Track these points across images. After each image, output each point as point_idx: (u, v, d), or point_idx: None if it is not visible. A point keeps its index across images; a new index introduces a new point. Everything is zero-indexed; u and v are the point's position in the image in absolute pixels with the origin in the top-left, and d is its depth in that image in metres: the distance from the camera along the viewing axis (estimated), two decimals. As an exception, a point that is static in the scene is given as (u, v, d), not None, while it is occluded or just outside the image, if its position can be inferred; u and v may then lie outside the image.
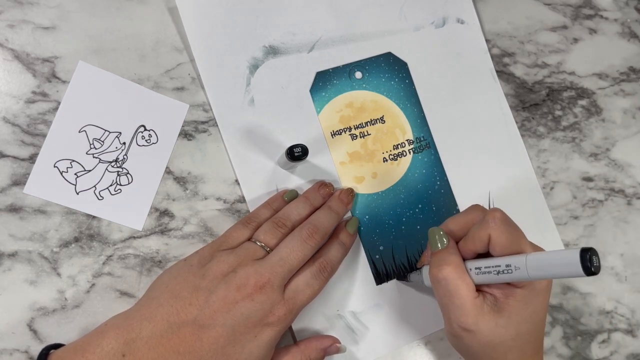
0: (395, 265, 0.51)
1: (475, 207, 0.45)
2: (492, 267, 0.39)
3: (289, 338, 0.49)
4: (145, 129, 0.48)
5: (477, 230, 0.40)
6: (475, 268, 0.40)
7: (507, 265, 0.38)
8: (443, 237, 0.43)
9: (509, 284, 0.40)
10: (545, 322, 0.42)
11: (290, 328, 0.48)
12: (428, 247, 0.46)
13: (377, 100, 0.53)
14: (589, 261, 0.32)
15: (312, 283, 0.43)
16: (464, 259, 0.42)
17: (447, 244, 0.42)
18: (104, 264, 0.46)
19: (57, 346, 0.40)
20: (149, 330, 0.38)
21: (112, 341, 0.37)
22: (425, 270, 0.46)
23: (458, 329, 0.41)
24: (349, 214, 0.51)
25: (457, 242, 0.43)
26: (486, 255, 0.41)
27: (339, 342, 0.47)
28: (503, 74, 0.58)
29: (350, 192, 0.49)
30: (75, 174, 0.46)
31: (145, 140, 0.48)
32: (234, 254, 0.42)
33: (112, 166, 0.47)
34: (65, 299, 0.45)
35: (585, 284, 0.57)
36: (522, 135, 0.57)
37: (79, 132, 0.47)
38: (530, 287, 0.40)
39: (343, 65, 0.53)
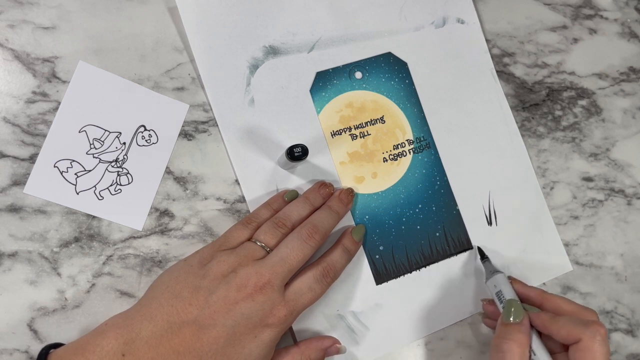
0: (395, 265, 0.51)
1: (592, 312, 0.45)
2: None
3: (289, 338, 0.49)
4: (145, 129, 0.48)
5: (569, 327, 0.41)
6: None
7: None
8: (521, 312, 0.43)
9: None
10: None
11: (291, 328, 0.48)
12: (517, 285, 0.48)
13: (377, 100, 0.53)
14: None
15: (315, 287, 0.43)
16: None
17: (521, 320, 0.43)
18: (104, 264, 0.46)
19: (57, 345, 0.40)
20: (149, 330, 0.38)
21: (112, 341, 0.37)
22: (492, 279, 0.48)
23: None
24: (349, 214, 0.51)
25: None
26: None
27: (339, 343, 0.47)
28: (503, 74, 0.58)
29: (350, 192, 0.49)
30: (76, 174, 0.46)
31: (145, 140, 0.48)
32: (234, 254, 0.42)
33: (112, 166, 0.47)
34: (66, 299, 0.45)
35: (586, 283, 0.57)
36: (522, 135, 0.57)
37: (79, 132, 0.47)
38: None
39: (343, 65, 0.53)
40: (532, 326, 0.44)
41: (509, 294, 0.46)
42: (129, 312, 0.40)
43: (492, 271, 0.49)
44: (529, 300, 0.47)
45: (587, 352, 0.40)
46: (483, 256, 0.52)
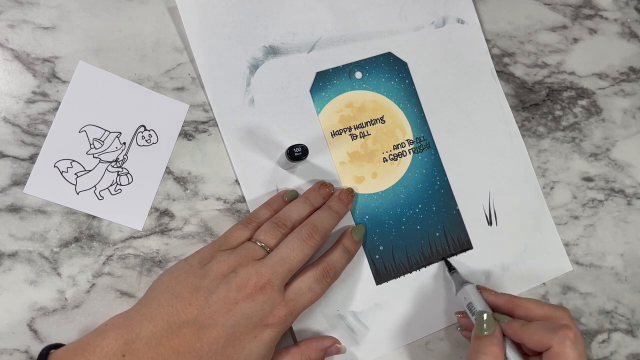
0: (395, 265, 0.51)
1: (563, 310, 0.44)
2: None
3: (288, 338, 0.49)
4: (145, 129, 0.48)
5: (540, 334, 0.41)
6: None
7: None
8: (492, 324, 0.43)
9: None
10: None
11: (290, 328, 0.48)
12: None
13: (377, 100, 0.53)
14: None
15: (315, 287, 0.43)
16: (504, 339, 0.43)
17: (492, 333, 0.43)
18: (104, 264, 0.46)
19: (57, 346, 0.40)
20: (149, 331, 0.38)
21: (112, 341, 0.37)
22: (462, 290, 0.48)
23: None
24: (349, 214, 0.51)
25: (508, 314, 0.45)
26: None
27: (340, 343, 0.47)
28: (503, 74, 0.58)
29: (350, 192, 0.49)
30: (76, 174, 0.46)
31: (145, 140, 0.48)
32: (234, 254, 0.42)
33: (112, 166, 0.47)
34: (66, 299, 0.45)
35: (586, 283, 0.57)
36: (522, 135, 0.57)
37: (79, 132, 0.47)
38: None
39: (343, 65, 0.53)
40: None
41: (479, 304, 0.46)
42: (129, 312, 0.40)
43: (461, 282, 0.49)
44: (500, 309, 0.47)
45: (558, 359, 0.40)
46: (450, 268, 0.51)
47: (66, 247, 0.46)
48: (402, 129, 0.53)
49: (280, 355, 0.44)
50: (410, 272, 0.52)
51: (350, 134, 0.52)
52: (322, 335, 0.48)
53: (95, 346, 0.37)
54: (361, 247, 0.51)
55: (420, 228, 0.52)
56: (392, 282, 0.51)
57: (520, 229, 0.55)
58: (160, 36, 0.50)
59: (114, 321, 0.39)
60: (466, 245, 0.53)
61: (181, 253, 0.48)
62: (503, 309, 0.46)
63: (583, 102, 0.59)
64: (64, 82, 0.47)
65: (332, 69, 0.52)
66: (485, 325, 0.43)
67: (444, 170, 0.54)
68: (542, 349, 0.41)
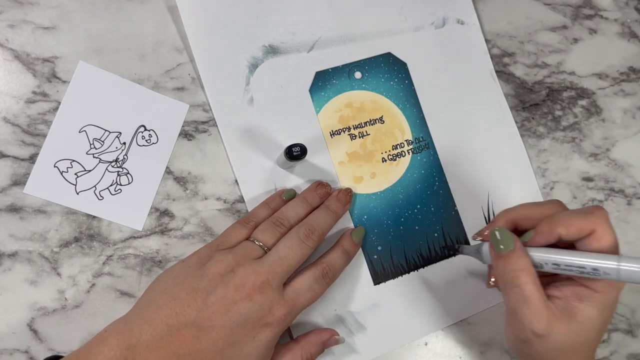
0: (393, 265, 0.51)
1: (558, 202, 0.43)
2: (576, 267, 0.37)
3: (286, 338, 0.49)
4: (146, 129, 0.48)
5: (579, 220, 0.38)
6: (553, 264, 0.39)
7: (594, 269, 0.36)
8: (510, 239, 0.40)
9: (583, 286, 0.39)
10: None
11: (289, 329, 0.48)
12: (489, 225, 0.44)
13: (377, 101, 0.53)
14: None
15: (314, 287, 0.43)
16: (539, 246, 0.40)
17: (514, 246, 0.40)
18: (104, 264, 0.46)
19: (56, 358, 0.40)
20: (149, 334, 0.38)
21: (114, 347, 0.37)
22: (486, 247, 0.44)
23: (530, 333, 0.39)
24: (347, 215, 0.51)
25: (520, 231, 0.42)
26: (556, 245, 0.40)
27: (337, 334, 0.47)
28: (503, 74, 0.58)
29: (348, 192, 0.49)
30: (76, 174, 0.46)
31: (146, 140, 0.48)
32: (232, 253, 0.42)
33: (112, 166, 0.47)
34: (66, 299, 0.45)
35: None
36: (522, 135, 0.57)
37: (79, 132, 0.47)
38: (609, 293, 0.39)
39: (342, 65, 0.53)
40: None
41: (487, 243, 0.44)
42: (127, 317, 0.40)
43: (475, 249, 0.46)
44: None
45: (602, 239, 0.37)
46: (455, 249, 0.49)
47: (66, 247, 0.46)
48: (401, 129, 0.53)
49: (281, 353, 0.44)
50: (409, 273, 0.52)
51: (349, 134, 0.52)
52: (320, 328, 0.48)
53: (97, 354, 0.37)
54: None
55: (418, 228, 0.52)
56: (390, 283, 0.51)
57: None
58: (160, 36, 0.50)
59: (113, 327, 0.39)
60: (466, 242, 0.53)
61: (181, 253, 0.48)
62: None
63: (583, 102, 0.59)
64: (64, 82, 0.47)
65: (332, 68, 0.52)
66: (504, 242, 0.40)
67: (442, 171, 0.54)
68: (582, 236, 0.38)
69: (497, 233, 0.40)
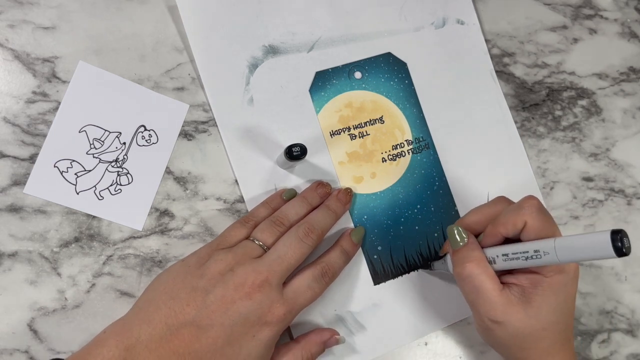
0: (393, 265, 0.51)
1: (502, 199, 0.46)
2: (520, 252, 0.40)
3: (286, 338, 0.49)
4: (146, 129, 0.48)
5: (512, 216, 0.41)
6: (502, 255, 0.41)
7: (535, 251, 0.39)
8: (462, 233, 0.44)
9: (537, 273, 0.41)
10: (574, 311, 0.43)
11: (288, 329, 0.48)
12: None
13: (377, 101, 0.53)
14: (620, 242, 0.33)
15: (314, 286, 0.43)
16: (489, 246, 0.43)
17: (467, 240, 0.43)
18: (104, 264, 0.46)
19: None
20: (148, 334, 0.38)
21: (113, 348, 0.37)
22: (449, 258, 0.47)
23: (488, 322, 0.42)
24: (347, 214, 0.51)
25: (477, 234, 0.45)
26: (509, 242, 0.42)
27: (338, 334, 0.47)
28: (503, 74, 0.58)
29: (348, 191, 0.49)
30: (76, 174, 0.46)
31: (146, 140, 0.48)
32: (232, 252, 0.42)
33: (112, 166, 0.47)
34: (66, 299, 0.45)
35: (586, 283, 0.57)
36: (522, 135, 0.57)
37: (79, 132, 0.47)
38: (558, 276, 0.41)
39: (342, 65, 0.53)
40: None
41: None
42: (126, 317, 0.40)
43: (442, 261, 0.49)
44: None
45: (534, 229, 0.40)
46: (428, 267, 0.51)
47: (66, 247, 0.46)
48: (401, 129, 0.53)
49: (281, 353, 0.44)
50: (409, 273, 0.52)
51: (349, 134, 0.52)
52: (320, 328, 0.48)
53: (96, 355, 0.37)
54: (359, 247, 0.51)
55: (418, 228, 0.52)
56: (390, 283, 0.51)
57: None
58: (160, 36, 0.50)
59: (112, 328, 0.39)
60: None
61: (181, 253, 0.48)
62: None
63: (583, 102, 0.59)
64: (64, 82, 0.47)
65: (332, 68, 0.53)
66: (457, 237, 0.44)
67: (442, 171, 0.54)
68: (519, 230, 0.41)
69: (453, 230, 0.44)
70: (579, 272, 0.42)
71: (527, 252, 0.39)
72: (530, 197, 0.41)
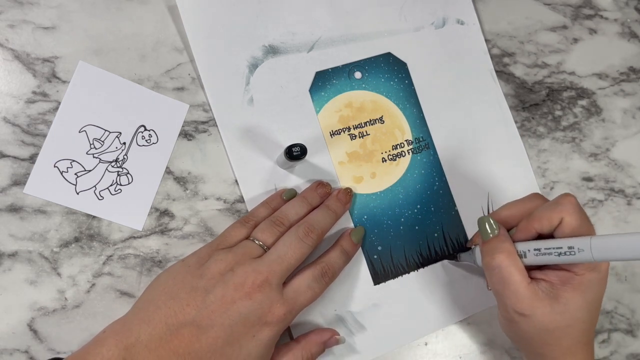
0: (393, 265, 0.51)
1: (537, 196, 0.46)
2: (554, 248, 0.40)
3: (286, 338, 0.49)
4: (146, 129, 0.48)
5: (548, 212, 0.41)
6: (534, 249, 0.41)
7: (569, 247, 0.39)
8: (494, 225, 0.44)
9: (567, 270, 0.41)
10: (599, 312, 0.43)
11: (289, 329, 0.48)
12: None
13: (377, 101, 0.53)
14: None
15: (314, 286, 0.43)
16: (521, 241, 0.43)
17: (498, 232, 0.43)
18: (104, 264, 0.46)
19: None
20: (148, 334, 0.38)
21: (112, 348, 0.37)
22: (477, 250, 0.47)
23: (514, 314, 0.42)
24: (347, 214, 0.51)
25: (508, 229, 0.45)
26: (542, 238, 0.42)
27: (338, 334, 0.47)
28: (503, 74, 0.58)
29: (348, 191, 0.49)
30: (76, 174, 0.46)
31: (146, 140, 0.48)
32: (232, 252, 0.42)
33: (112, 166, 0.47)
34: (66, 299, 0.45)
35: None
36: (522, 135, 0.57)
37: (79, 132, 0.47)
38: (589, 274, 0.41)
39: (342, 65, 0.53)
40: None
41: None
42: (126, 317, 0.40)
43: (470, 253, 0.50)
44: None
45: (571, 226, 0.40)
46: (454, 257, 0.52)
47: (66, 247, 0.46)
48: (401, 129, 0.53)
49: (281, 353, 0.44)
50: (409, 273, 0.52)
51: (349, 134, 0.52)
52: (320, 328, 0.48)
53: (95, 355, 0.37)
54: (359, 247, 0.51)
55: (418, 228, 0.52)
56: (390, 283, 0.51)
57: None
58: (160, 36, 0.50)
59: (112, 328, 0.39)
60: (465, 246, 0.53)
61: (181, 253, 0.48)
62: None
63: (583, 102, 0.59)
64: (64, 82, 0.47)
65: (332, 68, 0.53)
66: (488, 228, 0.44)
67: (442, 171, 0.54)
68: (554, 226, 0.41)
69: (484, 221, 0.44)
70: (607, 276, 0.42)
71: (561, 248, 0.39)
72: (568, 195, 0.42)
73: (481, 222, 0.44)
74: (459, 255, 0.51)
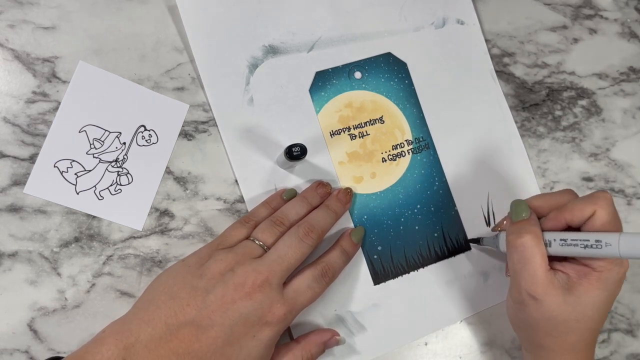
0: (393, 265, 0.51)
1: (569, 191, 0.46)
2: (580, 240, 0.40)
3: (286, 338, 0.49)
4: (146, 129, 0.48)
5: (581, 204, 0.41)
6: (561, 239, 0.41)
7: (597, 241, 0.39)
8: (527, 209, 0.44)
9: (586, 266, 0.41)
10: (607, 316, 0.43)
11: (289, 329, 0.48)
12: (508, 214, 0.46)
13: (377, 101, 0.53)
14: None
15: (314, 286, 0.43)
16: (549, 230, 0.43)
17: (528, 216, 0.44)
18: (104, 264, 0.46)
19: (57, 359, 0.40)
20: (148, 334, 0.38)
21: (112, 347, 0.37)
22: (502, 236, 0.47)
23: (526, 295, 0.42)
24: (347, 214, 0.51)
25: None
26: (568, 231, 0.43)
27: (338, 334, 0.47)
28: (503, 74, 0.58)
29: (348, 191, 0.49)
30: (76, 174, 0.46)
31: (146, 140, 0.48)
32: (232, 252, 0.42)
33: (112, 166, 0.47)
34: (66, 299, 0.45)
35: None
36: (522, 135, 0.57)
37: (79, 132, 0.47)
38: (608, 272, 0.41)
39: (342, 65, 0.53)
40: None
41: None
42: (126, 317, 0.40)
43: (493, 238, 0.50)
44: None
45: (602, 220, 0.40)
46: (476, 241, 0.52)
47: (66, 247, 0.46)
48: (401, 129, 0.53)
49: (281, 353, 0.44)
50: (409, 273, 0.52)
51: (349, 134, 0.52)
52: (320, 329, 0.48)
53: (95, 354, 0.37)
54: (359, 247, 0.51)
55: (418, 228, 0.52)
56: (390, 282, 0.51)
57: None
58: (160, 36, 0.50)
59: (112, 327, 0.39)
60: (464, 246, 0.53)
61: (181, 253, 0.48)
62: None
63: (583, 102, 0.59)
64: (64, 82, 0.47)
65: (332, 68, 0.53)
66: (522, 211, 0.44)
67: (442, 171, 0.54)
68: (585, 218, 0.41)
69: (518, 203, 0.45)
70: (624, 278, 0.42)
71: (588, 240, 0.39)
72: (603, 191, 0.42)
73: (515, 203, 0.45)
74: (482, 239, 0.51)
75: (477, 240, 0.52)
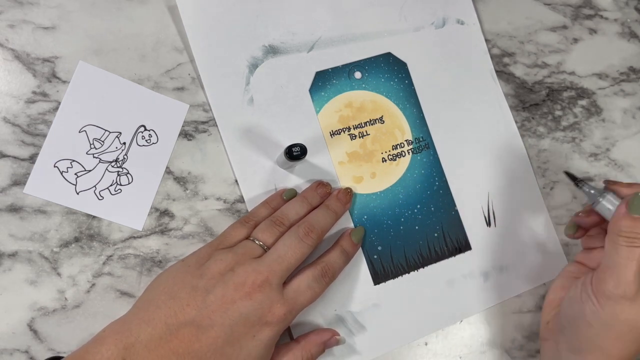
0: (393, 265, 0.51)
1: None
2: None
3: (286, 338, 0.49)
4: (146, 129, 0.48)
5: None
6: None
7: None
8: None
9: None
10: None
11: (289, 329, 0.48)
12: (632, 188, 0.44)
13: (377, 101, 0.53)
14: None
15: (314, 286, 0.43)
16: None
17: None
18: (104, 264, 0.46)
19: (57, 358, 0.40)
20: (148, 334, 0.38)
21: (112, 347, 0.37)
22: (610, 198, 0.44)
23: (624, 291, 0.40)
24: (347, 214, 0.51)
25: None
26: None
27: (338, 334, 0.47)
28: (503, 74, 0.58)
29: (348, 191, 0.49)
30: (76, 174, 0.46)
31: (146, 140, 0.48)
32: (232, 252, 0.42)
33: (112, 166, 0.47)
34: (66, 299, 0.45)
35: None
36: (522, 135, 0.57)
37: (79, 132, 0.47)
38: None
39: (342, 65, 0.53)
40: None
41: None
42: (126, 316, 0.40)
43: (595, 195, 0.45)
44: None
45: None
46: (576, 179, 0.47)
47: (66, 247, 0.46)
48: (401, 129, 0.53)
49: (281, 353, 0.44)
50: (409, 273, 0.52)
51: (349, 134, 0.52)
52: (320, 329, 0.48)
53: (94, 353, 0.37)
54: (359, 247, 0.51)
55: (418, 228, 0.52)
56: (390, 283, 0.51)
57: (519, 230, 0.55)
58: (160, 36, 0.50)
59: (111, 327, 0.39)
60: (465, 246, 0.53)
61: (181, 253, 0.48)
62: None
63: (583, 102, 0.59)
64: (64, 82, 0.47)
65: (332, 68, 0.53)
66: None
67: (442, 171, 0.54)
68: None
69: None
70: None
71: None
72: None
73: (637, 197, 0.41)
74: (584, 184, 0.46)
75: (575, 179, 0.47)
